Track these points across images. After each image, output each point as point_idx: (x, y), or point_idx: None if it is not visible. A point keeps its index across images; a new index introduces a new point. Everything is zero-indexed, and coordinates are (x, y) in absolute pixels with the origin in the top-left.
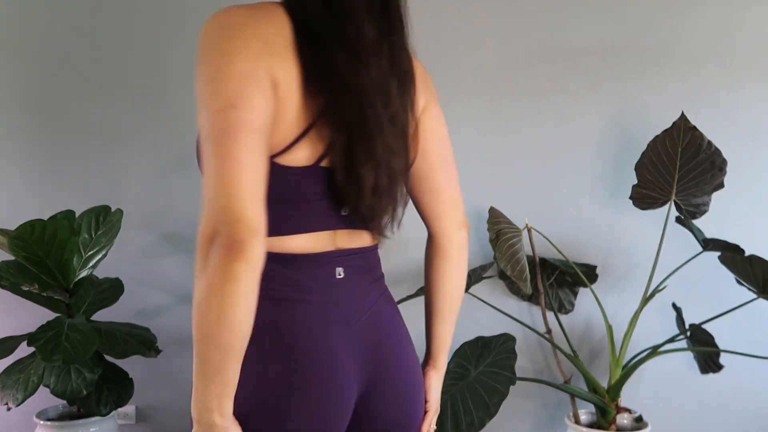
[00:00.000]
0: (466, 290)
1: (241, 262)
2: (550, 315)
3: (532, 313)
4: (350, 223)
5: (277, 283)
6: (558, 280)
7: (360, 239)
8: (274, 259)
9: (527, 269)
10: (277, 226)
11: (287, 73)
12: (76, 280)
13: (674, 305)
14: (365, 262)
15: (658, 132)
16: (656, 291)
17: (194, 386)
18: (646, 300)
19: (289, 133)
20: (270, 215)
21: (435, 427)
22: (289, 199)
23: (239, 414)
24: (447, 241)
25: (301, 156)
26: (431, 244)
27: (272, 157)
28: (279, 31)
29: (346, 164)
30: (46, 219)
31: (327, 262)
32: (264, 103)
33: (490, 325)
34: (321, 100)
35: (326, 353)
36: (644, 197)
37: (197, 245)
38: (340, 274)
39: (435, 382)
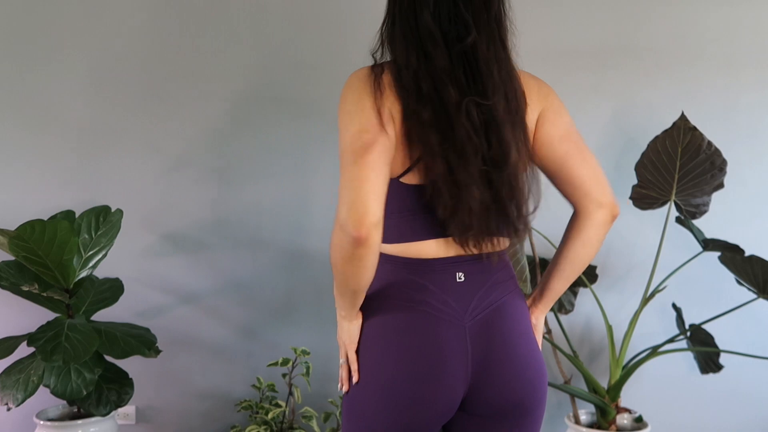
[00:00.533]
0: None
1: (365, 248)
2: (550, 315)
3: None
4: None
5: (401, 282)
6: None
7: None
8: (399, 262)
9: (527, 269)
10: (398, 233)
11: (399, 112)
12: (76, 280)
13: (674, 305)
14: (482, 266)
15: (658, 132)
16: (656, 291)
17: (336, 303)
18: (646, 300)
19: (405, 159)
20: (390, 225)
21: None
22: (406, 211)
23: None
24: (586, 217)
25: (415, 178)
26: (573, 216)
27: (395, 177)
28: (388, 84)
29: (443, 193)
30: (46, 219)
31: (444, 267)
32: (389, 130)
33: None
34: (420, 146)
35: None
36: (644, 197)
37: (334, 232)
38: (460, 278)
39: (538, 321)
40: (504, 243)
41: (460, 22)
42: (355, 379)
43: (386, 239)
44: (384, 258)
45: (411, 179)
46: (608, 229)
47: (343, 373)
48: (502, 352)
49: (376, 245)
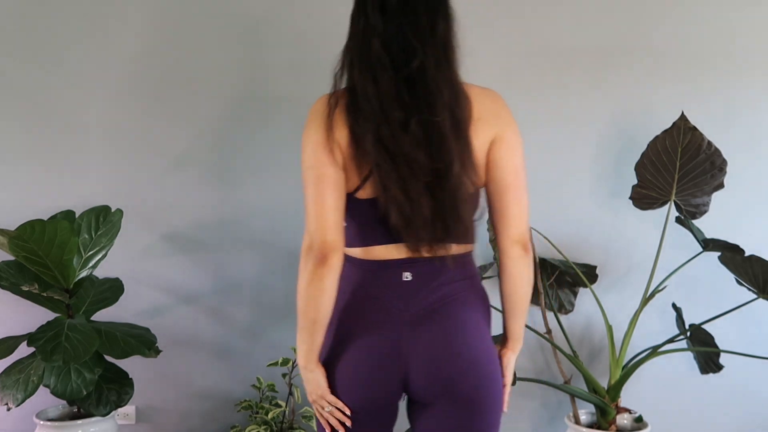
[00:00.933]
0: None
1: (325, 268)
2: (550, 315)
3: (532, 314)
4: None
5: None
6: (558, 280)
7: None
8: (357, 263)
9: None
10: (360, 238)
11: (345, 138)
12: (76, 280)
13: (674, 305)
14: (433, 268)
15: (658, 132)
16: (656, 291)
17: (297, 344)
18: (646, 300)
19: (356, 177)
20: (352, 231)
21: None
22: (363, 221)
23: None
24: (502, 254)
25: (366, 193)
26: (498, 256)
27: (350, 193)
28: (339, 111)
29: (391, 204)
30: (46, 219)
31: (394, 268)
32: (338, 158)
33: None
34: (367, 164)
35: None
36: (644, 197)
37: (301, 254)
38: (407, 277)
39: (512, 360)
40: (459, 247)
41: (407, 47)
42: (348, 413)
43: (350, 244)
44: (347, 259)
45: (364, 194)
46: (526, 263)
47: (337, 416)
48: (436, 344)
49: (335, 267)
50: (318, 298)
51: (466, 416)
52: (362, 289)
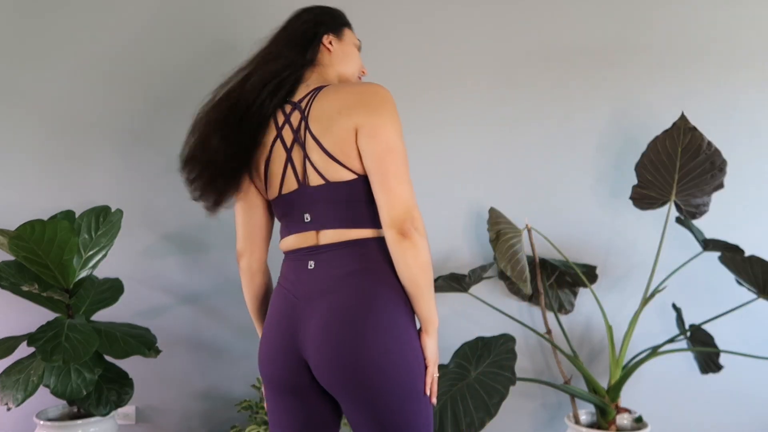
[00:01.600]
0: (466, 290)
1: (240, 269)
2: (550, 315)
3: (532, 314)
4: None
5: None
6: (558, 280)
7: (326, 237)
8: (284, 253)
9: (527, 270)
10: (282, 231)
11: None
12: (76, 280)
13: (674, 305)
14: (332, 255)
15: (658, 132)
16: (656, 291)
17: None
18: (646, 300)
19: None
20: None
21: (437, 375)
22: (280, 215)
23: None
24: (386, 239)
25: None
26: None
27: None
28: None
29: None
30: (46, 219)
31: (298, 257)
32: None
33: (490, 326)
34: None
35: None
36: (644, 197)
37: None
38: (311, 266)
39: (427, 343)
40: (354, 233)
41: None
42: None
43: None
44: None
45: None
46: (404, 247)
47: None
48: (315, 332)
49: (243, 269)
50: (244, 290)
51: (359, 405)
52: (281, 276)
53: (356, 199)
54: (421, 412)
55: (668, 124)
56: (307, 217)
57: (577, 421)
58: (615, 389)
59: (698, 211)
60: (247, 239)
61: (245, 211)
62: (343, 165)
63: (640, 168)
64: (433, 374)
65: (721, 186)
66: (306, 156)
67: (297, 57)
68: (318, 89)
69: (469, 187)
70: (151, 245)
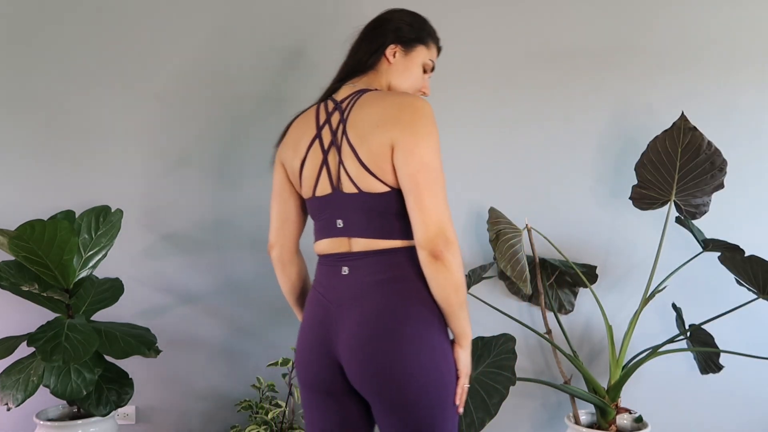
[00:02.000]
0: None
1: (272, 260)
2: (550, 315)
3: (532, 314)
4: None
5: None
6: (558, 280)
7: (359, 245)
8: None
9: (527, 269)
10: (316, 234)
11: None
12: (76, 280)
13: (674, 305)
14: (364, 262)
15: (658, 132)
16: (656, 291)
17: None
18: (646, 300)
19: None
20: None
21: (468, 386)
22: (314, 217)
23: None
24: (419, 257)
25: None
26: None
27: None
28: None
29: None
30: (46, 219)
31: (331, 262)
32: (281, 174)
33: (490, 326)
34: None
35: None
36: (644, 197)
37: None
38: (345, 272)
39: (460, 355)
40: (386, 243)
41: None
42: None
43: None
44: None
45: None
46: (435, 269)
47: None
48: (348, 336)
49: (275, 260)
50: (279, 281)
51: (390, 410)
52: (315, 280)
53: (389, 212)
54: (449, 420)
55: (668, 124)
56: (340, 223)
57: (577, 421)
58: (615, 389)
59: (698, 211)
60: (279, 232)
61: (279, 205)
62: (377, 177)
63: (639, 168)
64: (464, 386)
65: (721, 186)
66: (341, 162)
67: (363, 56)
68: (360, 92)
69: (469, 187)
70: (151, 245)
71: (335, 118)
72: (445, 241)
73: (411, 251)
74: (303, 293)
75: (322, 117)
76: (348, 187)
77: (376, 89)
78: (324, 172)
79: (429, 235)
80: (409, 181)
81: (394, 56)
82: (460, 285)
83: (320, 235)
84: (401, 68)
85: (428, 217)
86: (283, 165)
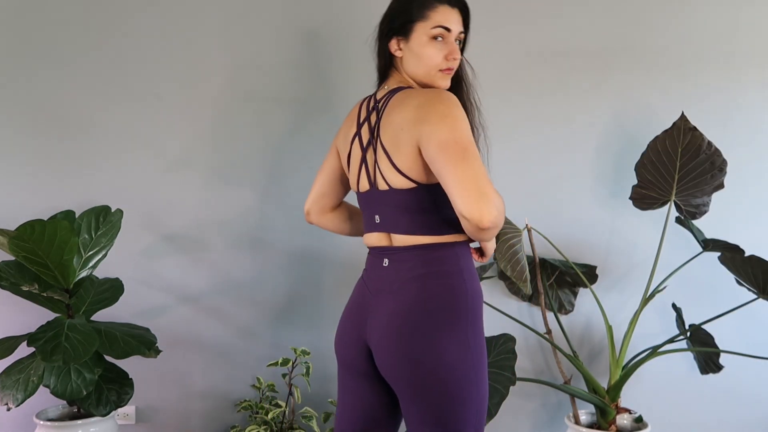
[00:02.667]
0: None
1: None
2: (550, 315)
3: (532, 314)
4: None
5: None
6: (558, 280)
7: (398, 240)
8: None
9: (527, 270)
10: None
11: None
12: (76, 280)
13: (674, 305)
14: (402, 257)
15: (658, 132)
16: (656, 291)
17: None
18: (646, 300)
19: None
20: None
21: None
22: (363, 210)
23: None
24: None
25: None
26: None
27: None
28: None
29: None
30: (46, 219)
31: (375, 254)
32: (333, 158)
33: (490, 326)
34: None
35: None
36: (644, 197)
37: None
38: (386, 263)
39: (487, 246)
40: (421, 239)
41: None
42: None
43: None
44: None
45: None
46: (484, 235)
47: None
48: (379, 325)
49: (314, 223)
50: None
51: (413, 397)
52: (364, 269)
53: (422, 207)
54: (471, 413)
55: (668, 124)
56: (377, 219)
57: (577, 421)
58: (615, 389)
59: (698, 211)
60: (314, 203)
61: (323, 180)
62: (405, 175)
63: (640, 168)
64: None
65: (721, 186)
66: (376, 161)
67: (379, 62)
68: (393, 92)
69: None
70: (151, 245)
71: (373, 117)
72: (488, 210)
73: (451, 247)
74: (355, 221)
75: (363, 115)
76: (382, 185)
77: (407, 87)
78: (363, 169)
79: (469, 208)
80: (436, 165)
81: (400, 50)
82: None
83: (366, 228)
84: (410, 56)
85: (463, 189)
86: (337, 148)
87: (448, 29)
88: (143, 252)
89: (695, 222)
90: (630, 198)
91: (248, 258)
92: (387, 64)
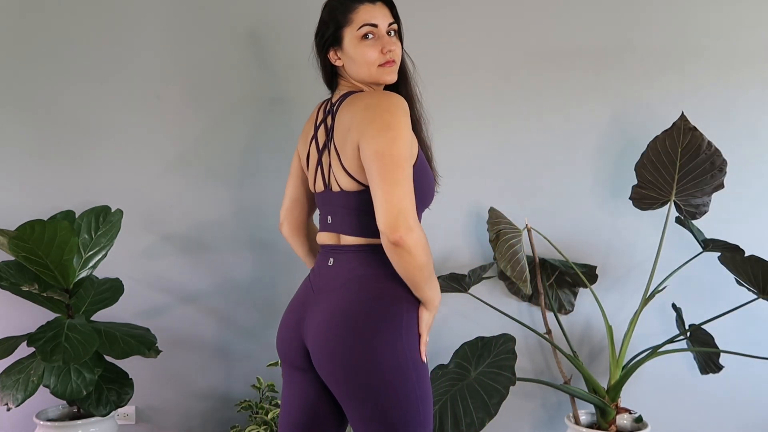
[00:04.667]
0: (466, 290)
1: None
2: (550, 315)
3: (531, 314)
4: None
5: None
6: (558, 280)
7: (345, 240)
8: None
9: (527, 270)
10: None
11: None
12: (76, 280)
13: (674, 305)
14: (347, 257)
15: (658, 132)
16: (656, 291)
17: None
18: (646, 300)
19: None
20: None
21: (427, 340)
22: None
23: None
24: (382, 243)
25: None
26: None
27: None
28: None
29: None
30: (46, 219)
31: (323, 253)
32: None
33: (490, 326)
34: None
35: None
36: (644, 197)
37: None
38: (330, 262)
39: (423, 315)
40: (365, 240)
41: None
42: None
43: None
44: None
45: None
46: (400, 254)
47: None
48: (316, 324)
49: (285, 235)
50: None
51: (344, 399)
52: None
53: (367, 210)
54: (410, 415)
55: (668, 124)
56: (329, 219)
57: (577, 421)
58: (615, 389)
59: (698, 211)
60: (288, 211)
61: (292, 186)
62: (352, 177)
63: (639, 168)
64: (425, 340)
65: (721, 186)
66: (330, 163)
67: (324, 74)
68: (345, 96)
69: (469, 187)
70: (151, 245)
71: (329, 120)
72: (406, 228)
73: (367, 248)
74: (314, 254)
75: (320, 117)
76: (335, 186)
77: (359, 91)
78: (319, 170)
79: (387, 220)
80: (368, 171)
81: (339, 59)
82: (424, 265)
83: (320, 228)
84: (349, 62)
85: (385, 203)
86: (298, 152)
87: (374, 25)
88: (143, 252)
89: (695, 222)
90: (630, 198)
91: (248, 258)
92: (332, 75)
